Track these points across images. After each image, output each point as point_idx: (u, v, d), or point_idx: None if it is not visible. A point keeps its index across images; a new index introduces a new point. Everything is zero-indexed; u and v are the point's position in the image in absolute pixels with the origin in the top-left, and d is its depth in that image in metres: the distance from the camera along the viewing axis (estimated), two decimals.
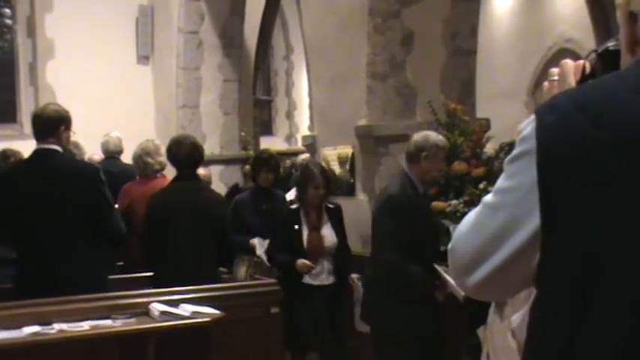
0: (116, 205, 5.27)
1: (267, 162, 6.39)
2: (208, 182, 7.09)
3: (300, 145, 10.91)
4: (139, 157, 6.07)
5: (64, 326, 4.20)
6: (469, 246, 1.37)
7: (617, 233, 1.14)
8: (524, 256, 1.27)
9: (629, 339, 1.13)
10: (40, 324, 4.18)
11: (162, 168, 6.09)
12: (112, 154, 7.66)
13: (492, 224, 1.32)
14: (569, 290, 1.18)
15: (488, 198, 1.37)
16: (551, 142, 1.20)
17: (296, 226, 5.58)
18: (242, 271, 5.97)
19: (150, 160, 6.00)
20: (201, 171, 6.80)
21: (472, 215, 1.40)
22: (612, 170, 1.14)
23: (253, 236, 6.06)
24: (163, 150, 6.00)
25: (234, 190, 8.16)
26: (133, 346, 4.36)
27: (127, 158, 7.25)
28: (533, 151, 1.22)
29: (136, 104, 11.00)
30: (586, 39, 11.39)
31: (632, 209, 1.13)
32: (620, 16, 1.34)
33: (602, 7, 10.38)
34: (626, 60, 1.34)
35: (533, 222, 1.24)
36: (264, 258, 5.96)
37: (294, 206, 5.72)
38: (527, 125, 1.26)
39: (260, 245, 6.03)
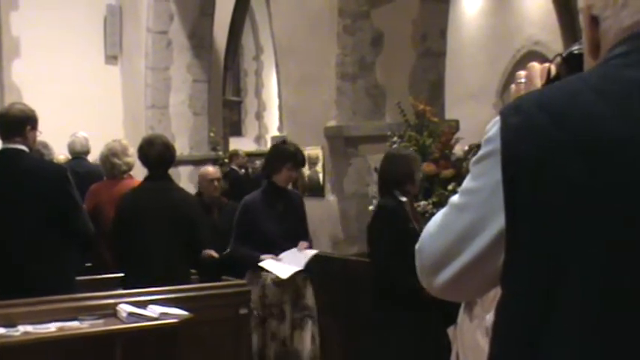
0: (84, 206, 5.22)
1: (293, 156, 5.46)
2: (218, 179, 6.71)
3: (269, 146, 10.89)
4: (105, 158, 6.02)
5: (29, 328, 4.15)
6: (435, 246, 1.37)
7: (580, 233, 1.15)
8: (489, 257, 1.27)
9: (594, 339, 1.13)
10: (4, 326, 4.13)
11: (130, 169, 6.03)
12: (78, 155, 7.59)
13: (458, 225, 1.32)
14: (534, 290, 1.19)
15: (454, 199, 1.37)
16: (515, 143, 1.20)
17: None
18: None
19: (117, 160, 5.94)
20: (210, 169, 6.83)
21: (439, 216, 1.40)
22: (575, 171, 1.15)
23: (269, 244, 5.39)
24: (131, 150, 5.95)
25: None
26: (101, 347, 4.32)
27: (94, 158, 7.19)
28: (497, 152, 1.23)
29: (104, 104, 10.91)
30: (554, 41, 11.51)
31: (594, 209, 1.14)
32: (582, 20, 1.36)
33: (569, 11, 10.51)
34: (588, 63, 1.35)
35: (498, 222, 1.24)
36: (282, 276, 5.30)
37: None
38: (492, 126, 1.27)
39: (276, 266, 5.35)
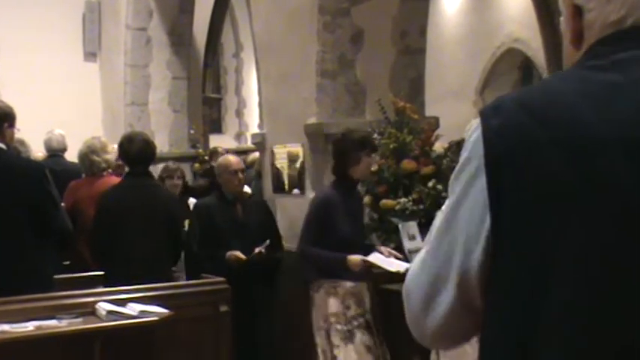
0: (62, 204, 5.19)
1: (367, 142, 5.07)
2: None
3: (249, 144, 10.87)
4: (84, 155, 5.98)
5: (6, 327, 4.13)
6: (421, 282, 1.33)
7: (566, 233, 1.14)
8: (482, 272, 1.24)
9: (583, 340, 1.13)
10: None
11: (109, 166, 6.01)
12: (55, 152, 7.51)
13: (443, 247, 1.30)
14: (522, 292, 1.18)
15: (435, 226, 1.34)
16: (497, 143, 1.19)
17: None
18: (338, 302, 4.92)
19: (96, 158, 5.91)
20: (231, 158, 6.09)
21: (421, 252, 1.38)
22: (558, 169, 1.14)
23: (348, 246, 4.91)
24: (110, 148, 5.93)
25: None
26: (79, 346, 4.29)
27: (72, 156, 7.14)
28: (480, 156, 1.21)
29: (83, 101, 10.86)
30: (533, 38, 11.55)
31: (578, 208, 1.14)
32: (562, 7, 1.35)
33: (549, 8, 10.55)
34: (569, 52, 1.34)
35: (484, 235, 1.22)
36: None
37: None
38: (473, 132, 1.25)
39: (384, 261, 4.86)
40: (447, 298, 1.29)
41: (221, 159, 6.29)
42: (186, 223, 5.76)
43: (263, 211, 6.02)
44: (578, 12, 1.31)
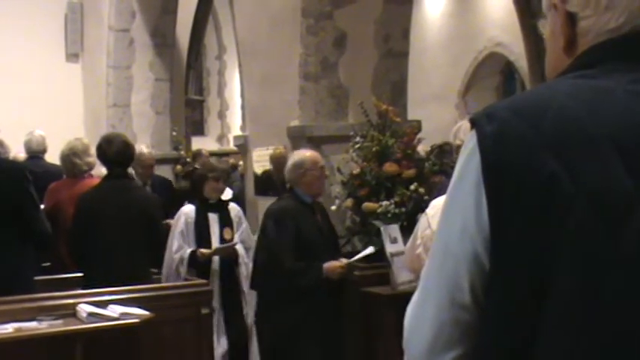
0: (42, 206, 5.16)
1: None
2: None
3: (232, 146, 10.86)
4: (66, 157, 5.94)
5: None
6: (425, 321, 1.28)
7: (562, 237, 1.14)
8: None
9: (580, 351, 1.14)
10: None
11: (91, 169, 5.96)
12: (35, 154, 7.46)
13: (443, 275, 1.25)
14: (521, 302, 1.17)
15: (432, 251, 1.30)
16: (494, 151, 1.18)
17: None
18: None
19: (78, 160, 5.86)
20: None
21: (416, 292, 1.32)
22: (555, 174, 1.15)
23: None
24: (92, 150, 5.88)
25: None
26: (60, 348, 4.27)
27: (53, 157, 7.09)
28: (478, 165, 1.20)
29: (65, 103, 10.81)
30: (515, 43, 11.62)
31: (576, 212, 1.14)
32: (555, 15, 1.33)
33: (531, 13, 10.61)
34: (557, 57, 1.33)
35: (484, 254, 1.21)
36: None
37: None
38: (468, 141, 1.24)
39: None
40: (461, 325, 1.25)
41: (297, 156, 5.14)
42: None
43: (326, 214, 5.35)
44: (571, 19, 1.29)
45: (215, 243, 5.72)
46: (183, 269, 5.59)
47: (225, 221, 5.83)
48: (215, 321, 5.47)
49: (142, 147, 7.39)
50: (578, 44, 1.29)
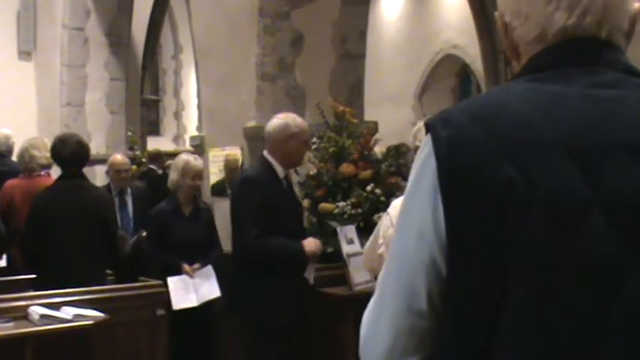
0: None
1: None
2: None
3: (187, 146, 10.79)
4: (25, 150, 5.85)
5: None
6: (381, 329, 1.27)
7: (519, 244, 1.15)
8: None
9: (537, 350, 1.14)
10: None
11: (49, 164, 5.88)
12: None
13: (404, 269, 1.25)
14: (480, 304, 1.18)
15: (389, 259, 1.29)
16: (449, 156, 1.19)
17: None
18: None
19: (37, 153, 5.78)
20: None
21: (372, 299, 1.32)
22: (511, 178, 1.15)
23: None
24: None
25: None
26: (12, 351, 4.20)
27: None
28: (434, 170, 1.20)
29: (17, 101, 10.63)
30: (471, 45, 11.72)
31: (532, 217, 1.14)
32: (499, 26, 1.38)
33: (486, 16, 10.72)
34: (513, 64, 1.37)
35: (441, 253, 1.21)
36: None
37: None
38: (424, 146, 1.24)
39: None
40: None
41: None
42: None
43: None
44: (506, 28, 1.34)
45: None
46: None
47: None
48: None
49: (117, 155, 7.24)
50: (521, 52, 1.33)
